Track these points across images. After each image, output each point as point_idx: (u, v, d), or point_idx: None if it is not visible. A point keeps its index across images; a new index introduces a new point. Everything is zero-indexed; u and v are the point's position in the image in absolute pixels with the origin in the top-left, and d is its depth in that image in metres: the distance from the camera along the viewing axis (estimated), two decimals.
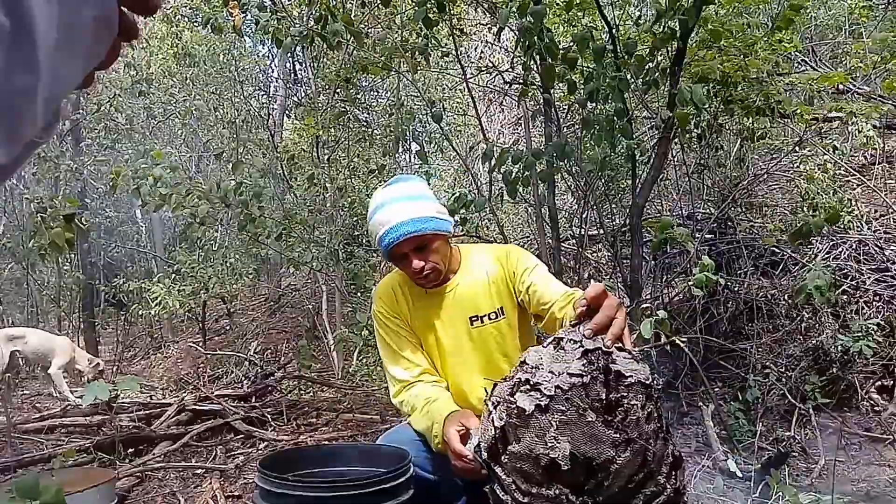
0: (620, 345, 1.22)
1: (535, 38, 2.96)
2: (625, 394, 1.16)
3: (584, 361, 1.18)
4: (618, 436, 1.15)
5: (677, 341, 1.45)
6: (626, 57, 3.13)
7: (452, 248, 1.82)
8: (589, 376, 1.16)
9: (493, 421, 1.25)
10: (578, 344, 1.21)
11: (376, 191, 1.81)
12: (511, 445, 1.21)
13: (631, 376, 1.16)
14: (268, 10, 3.69)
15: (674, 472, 1.22)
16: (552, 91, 3.64)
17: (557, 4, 4.04)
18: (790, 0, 3.24)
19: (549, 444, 1.15)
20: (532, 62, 3.38)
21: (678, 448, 1.29)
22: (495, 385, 1.27)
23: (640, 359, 1.23)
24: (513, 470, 1.22)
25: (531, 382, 1.19)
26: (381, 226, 1.70)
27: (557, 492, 1.17)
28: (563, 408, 1.15)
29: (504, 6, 3.44)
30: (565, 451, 1.14)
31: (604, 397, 1.16)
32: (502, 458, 1.24)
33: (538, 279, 1.72)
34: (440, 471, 1.63)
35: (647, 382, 1.18)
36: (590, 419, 1.14)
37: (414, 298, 1.82)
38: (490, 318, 1.77)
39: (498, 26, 3.26)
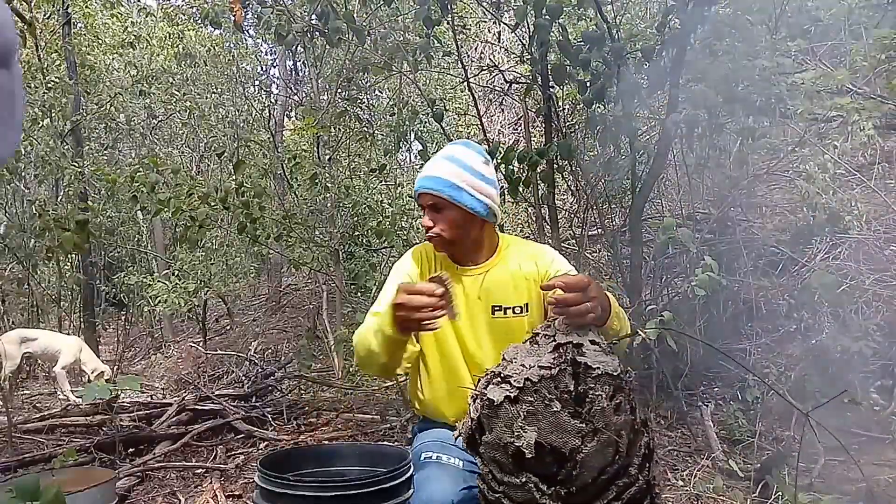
0: (594, 338, 1.26)
1: (550, 34, 2.96)
2: (592, 385, 1.19)
3: (555, 355, 1.23)
4: (584, 426, 1.18)
5: (640, 332, 1.54)
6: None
7: (488, 234, 1.80)
8: (557, 368, 1.21)
9: (470, 413, 1.30)
10: (552, 338, 1.26)
11: None
12: (485, 436, 1.26)
13: (598, 368, 1.19)
14: (269, 6, 3.69)
15: (647, 464, 1.24)
16: (553, 90, 3.64)
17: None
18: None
19: (516, 433, 1.19)
20: (541, 61, 3.36)
21: (655, 439, 1.32)
22: (479, 380, 1.31)
23: (610, 351, 1.27)
24: (489, 460, 1.27)
25: (502, 375, 1.24)
26: (420, 172, 1.80)
27: (525, 479, 1.21)
28: (532, 399, 1.19)
29: (513, 2, 3.43)
30: (530, 440, 1.17)
31: (572, 389, 1.20)
32: (480, 448, 1.28)
33: None
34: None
35: (615, 374, 1.20)
36: (555, 409, 1.18)
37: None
38: (514, 312, 1.74)
39: (514, 21, 3.26)
